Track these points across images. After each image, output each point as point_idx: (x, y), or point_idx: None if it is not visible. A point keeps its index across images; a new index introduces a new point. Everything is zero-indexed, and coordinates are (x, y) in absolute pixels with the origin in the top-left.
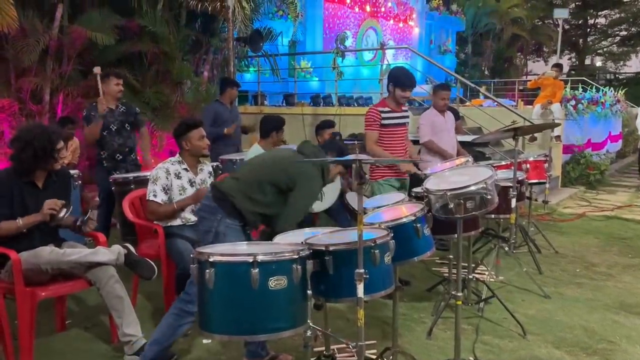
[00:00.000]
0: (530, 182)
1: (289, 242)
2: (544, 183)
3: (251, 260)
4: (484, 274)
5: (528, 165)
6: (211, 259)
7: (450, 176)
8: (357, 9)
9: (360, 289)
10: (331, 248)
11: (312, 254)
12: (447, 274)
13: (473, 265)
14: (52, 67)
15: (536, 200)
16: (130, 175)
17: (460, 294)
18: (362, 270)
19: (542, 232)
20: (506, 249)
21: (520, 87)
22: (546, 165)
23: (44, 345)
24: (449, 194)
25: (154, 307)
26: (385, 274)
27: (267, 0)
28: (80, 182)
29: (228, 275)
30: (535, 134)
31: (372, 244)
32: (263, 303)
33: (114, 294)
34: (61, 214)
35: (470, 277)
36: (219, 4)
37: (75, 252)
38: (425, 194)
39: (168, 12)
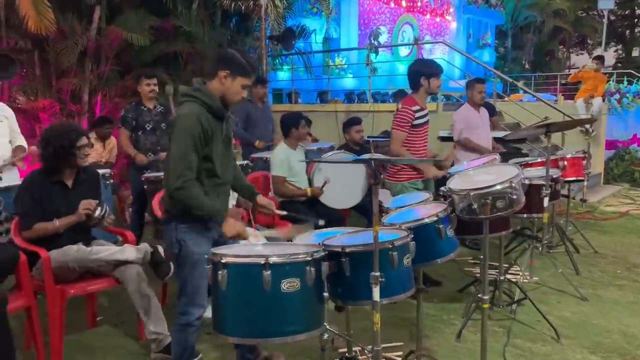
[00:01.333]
0: (567, 179)
1: (309, 242)
2: (582, 180)
3: (263, 262)
4: (518, 274)
5: (565, 163)
6: (224, 260)
7: (475, 175)
8: (392, 4)
9: (376, 292)
10: (348, 249)
11: (329, 256)
12: (479, 275)
13: (506, 265)
14: (90, 68)
15: (574, 198)
16: (161, 173)
17: (486, 297)
18: (377, 273)
19: (580, 231)
20: (540, 248)
21: (563, 82)
22: (584, 162)
23: (74, 341)
24: (472, 193)
25: None
26: (404, 277)
27: None
28: (111, 181)
29: (240, 276)
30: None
31: (390, 246)
32: (275, 305)
33: (141, 292)
34: (96, 214)
35: (502, 278)
36: (252, 2)
37: (102, 251)
38: (449, 193)
39: (203, 11)
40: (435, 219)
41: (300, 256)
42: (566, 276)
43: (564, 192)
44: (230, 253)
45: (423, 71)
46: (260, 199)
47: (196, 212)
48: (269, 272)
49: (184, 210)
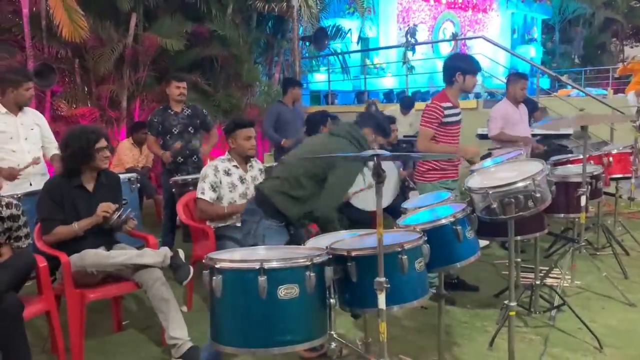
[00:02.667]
0: (613, 177)
1: (318, 245)
2: (629, 178)
3: (257, 267)
4: (559, 278)
5: (611, 159)
6: (218, 266)
7: (496, 172)
8: (432, 1)
9: (381, 299)
10: (354, 253)
11: (335, 260)
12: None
13: (546, 269)
14: (128, 74)
15: (621, 197)
16: (189, 177)
17: (513, 303)
18: (382, 279)
19: (630, 232)
20: (583, 251)
21: (616, 76)
22: (632, 157)
23: (97, 345)
24: (491, 192)
25: None
26: (416, 282)
27: None
28: (138, 185)
29: (235, 283)
30: None
31: (399, 249)
32: (273, 314)
33: (160, 297)
34: (114, 217)
35: (537, 282)
36: (285, 4)
37: (120, 255)
38: (468, 192)
39: (238, 15)
40: (452, 219)
41: (298, 261)
42: (611, 280)
43: (611, 190)
44: (224, 258)
45: (460, 66)
46: None
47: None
48: (264, 278)
49: (281, 211)
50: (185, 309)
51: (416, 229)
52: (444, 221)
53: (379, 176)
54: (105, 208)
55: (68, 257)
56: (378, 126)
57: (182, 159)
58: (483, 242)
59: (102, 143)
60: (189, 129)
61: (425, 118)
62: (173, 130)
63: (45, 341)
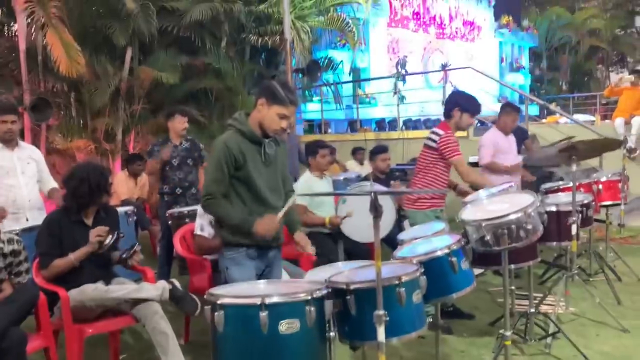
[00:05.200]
0: (603, 204)
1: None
2: (619, 204)
3: (259, 303)
4: (554, 305)
5: (600, 186)
6: (219, 301)
7: (489, 204)
8: (421, 32)
9: (380, 332)
10: (352, 287)
11: (334, 293)
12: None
13: (540, 296)
14: (123, 108)
15: (611, 223)
16: (185, 209)
17: (509, 332)
18: (381, 312)
19: (622, 258)
20: (576, 277)
21: (603, 101)
22: (620, 184)
23: None
24: (484, 224)
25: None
26: (414, 314)
27: (328, 31)
28: (135, 217)
29: (237, 318)
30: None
31: (397, 282)
32: (274, 348)
33: (159, 330)
34: (107, 241)
35: (532, 310)
36: (278, 37)
37: (119, 289)
38: (462, 224)
39: (232, 48)
40: (447, 251)
41: (299, 295)
42: (605, 307)
43: (601, 217)
44: (227, 293)
45: (460, 103)
46: (298, 235)
47: (227, 222)
48: (265, 314)
49: (225, 235)
50: (182, 341)
51: (412, 261)
52: (439, 253)
53: (376, 210)
54: (97, 232)
55: (67, 292)
56: (272, 94)
57: (180, 191)
58: (478, 270)
59: (111, 179)
60: (188, 161)
61: (451, 148)
62: (173, 162)
63: None
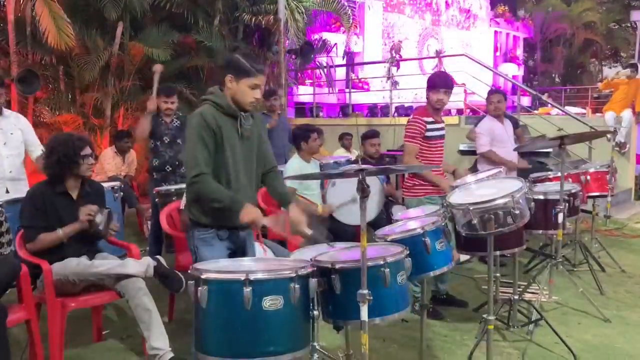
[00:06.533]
0: (591, 195)
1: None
2: (606, 196)
3: (243, 279)
4: (537, 293)
5: (588, 177)
6: (204, 276)
7: (477, 189)
8: (417, 18)
9: (364, 311)
10: (337, 266)
11: (319, 272)
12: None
13: (524, 284)
14: (113, 83)
15: (597, 214)
16: (173, 187)
17: (492, 317)
18: (365, 291)
19: (606, 249)
20: (561, 267)
21: (595, 95)
22: (609, 176)
23: (76, 356)
24: (472, 208)
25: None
26: (398, 295)
27: (323, 12)
28: (121, 193)
29: (220, 294)
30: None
31: (382, 262)
32: (257, 324)
33: (142, 307)
34: (98, 219)
35: (516, 297)
36: (272, 17)
37: (103, 264)
38: (449, 208)
39: (225, 27)
40: (420, 232)
41: (283, 272)
42: (588, 296)
43: (588, 207)
44: (210, 268)
45: (428, 84)
46: (294, 210)
47: (215, 202)
48: (249, 289)
49: (198, 214)
50: (166, 319)
51: (387, 239)
52: (413, 232)
53: (363, 191)
54: (87, 211)
55: (50, 265)
56: (237, 67)
57: (170, 169)
58: (464, 257)
59: (87, 151)
60: (178, 140)
61: (408, 133)
62: (164, 138)
63: (24, 350)
